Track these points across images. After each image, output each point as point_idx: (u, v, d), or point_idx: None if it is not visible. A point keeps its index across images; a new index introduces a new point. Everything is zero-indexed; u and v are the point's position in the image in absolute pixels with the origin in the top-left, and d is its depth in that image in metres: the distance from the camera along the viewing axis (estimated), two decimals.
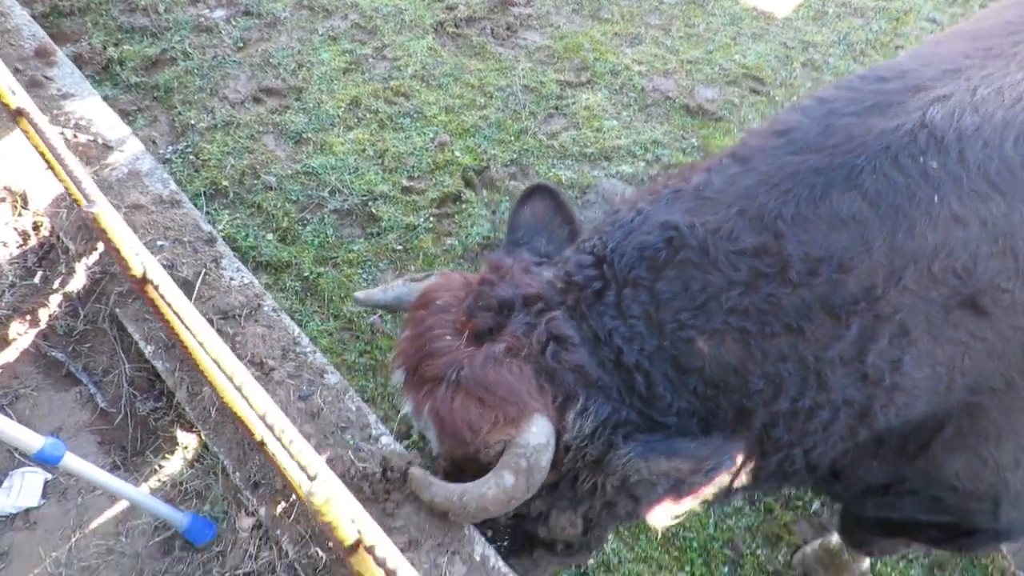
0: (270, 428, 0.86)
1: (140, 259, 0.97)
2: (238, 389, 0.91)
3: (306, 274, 4.17)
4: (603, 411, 1.72)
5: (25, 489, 2.70)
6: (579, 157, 4.80)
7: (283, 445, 0.86)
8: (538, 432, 1.66)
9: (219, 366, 0.92)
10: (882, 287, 1.63)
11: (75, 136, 3.31)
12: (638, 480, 1.68)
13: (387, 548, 0.79)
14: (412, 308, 1.95)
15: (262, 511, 2.43)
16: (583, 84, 5.32)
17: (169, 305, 0.99)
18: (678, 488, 1.65)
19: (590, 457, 1.74)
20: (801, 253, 1.65)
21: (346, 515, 0.75)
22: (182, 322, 0.99)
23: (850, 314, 1.64)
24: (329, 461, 2.47)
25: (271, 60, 5.39)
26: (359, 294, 2.15)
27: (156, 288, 0.96)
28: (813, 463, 1.86)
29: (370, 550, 0.77)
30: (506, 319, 1.79)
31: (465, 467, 1.79)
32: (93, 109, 3.55)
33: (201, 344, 0.95)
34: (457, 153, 4.80)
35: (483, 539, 2.31)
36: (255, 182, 4.62)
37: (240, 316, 2.88)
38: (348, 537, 0.76)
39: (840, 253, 1.64)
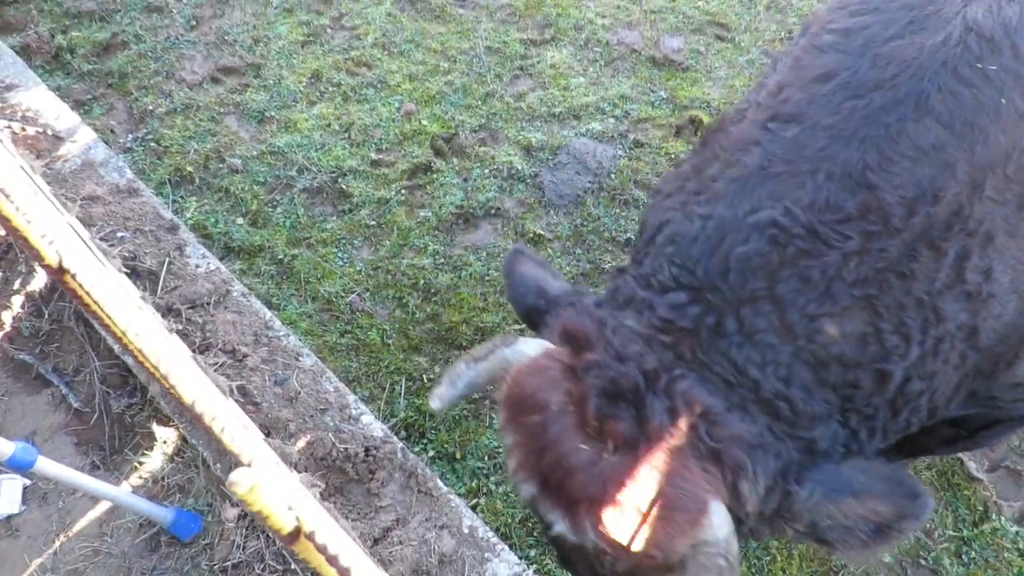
0: (199, 417, 0.81)
1: (54, 246, 0.90)
2: (164, 377, 0.85)
3: (280, 257, 4.08)
4: (769, 466, 1.59)
5: (4, 496, 2.65)
6: (548, 118, 4.71)
7: (215, 433, 0.81)
8: (721, 521, 1.53)
9: (143, 355, 0.86)
10: (968, 205, 1.61)
11: (23, 129, 3.19)
12: (830, 525, 1.56)
13: (328, 533, 0.74)
14: (513, 411, 1.68)
15: None
16: (547, 41, 5.20)
17: (88, 293, 0.92)
18: (884, 533, 1.51)
19: (768, 511, 1.63)
20: (897, 198, 1.59)
21: (280, 502, 0.70)
22: (102, 310, 0.93)
23: (946, 241, 1.61)
24: (310, 444, 2.43)
25: (226, 37, 5.22)
26: (435, 405, 1.87)
27: (74, 277, 0.89)
28: (934, 405, 1.79)
29: (310, 536, 0.72)
30: (641, 410, 1.59)
31: (640, 567, 1.63)
32: (39, 99, 3.42)
33: (124, 333, 0.89)
34: (424, 122, 4.70)
35: (470, 511, 2.29)
36: (220, 166, 4.50)
37: (209, 304, 2.81)
38: (284, 525, 0.71)
39: (930, 185, 1.60)
